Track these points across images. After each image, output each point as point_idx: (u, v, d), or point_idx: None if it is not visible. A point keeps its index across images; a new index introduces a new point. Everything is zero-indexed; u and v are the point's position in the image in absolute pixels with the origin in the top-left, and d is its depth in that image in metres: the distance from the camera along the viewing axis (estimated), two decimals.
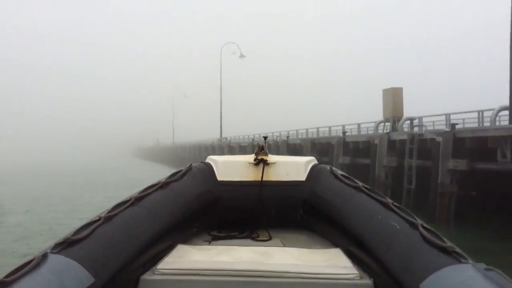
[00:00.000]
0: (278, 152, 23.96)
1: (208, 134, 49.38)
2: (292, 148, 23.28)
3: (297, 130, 29.50)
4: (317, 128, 27.70)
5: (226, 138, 39.29)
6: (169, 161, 57.40)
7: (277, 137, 27.43)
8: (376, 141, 15.59)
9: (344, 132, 18.86)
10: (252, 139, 30.95)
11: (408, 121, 16.06)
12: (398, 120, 16.56)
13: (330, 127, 26.53)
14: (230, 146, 34.68)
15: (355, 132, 21.52)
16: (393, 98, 16.29)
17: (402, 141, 14.84)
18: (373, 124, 21.15)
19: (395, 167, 15.09)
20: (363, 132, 21.57)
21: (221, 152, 35.58)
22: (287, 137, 25.10)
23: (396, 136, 15.30)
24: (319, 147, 20.74)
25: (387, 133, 15.74)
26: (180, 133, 78.31)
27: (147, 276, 2.10)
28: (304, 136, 27.37)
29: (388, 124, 17.01)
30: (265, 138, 3.58)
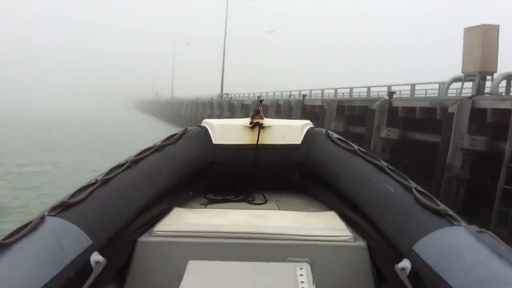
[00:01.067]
0: (290, 118, 18.52)
1: (210, 90, 43.76)
2: (310, 111, 17.52)
3: (310, 90, 23.00)
4: (335, 89, 21.44)
5: (227, 95, 33.38)
6: (166, 117, 52.38)
7: (289, 96, 21.50)
8: (452, 109, 9.79)
9: (390, 93, 13.00)
10: (258, 96, 24.99)
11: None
12: (484, 78, 10.69)
13: (351, 88, 20.62)
14: (231, 104, 28.93)
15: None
16: (483, 42, 10.27)
17: (500, 112, 9.07)
18: (407, 88, 15.44)
19: (481, 152, 9.43)
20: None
21: (220, 110, 30.09)
22: (304, 96, 19.13)
23: (487, 103, 9.50)
24: (349, 112, 14.97)
25: (470, 98, 9.90)
26: (180, 86, 72.67)
27: (144, 238, 2.12)
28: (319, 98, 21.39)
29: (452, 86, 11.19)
30: (261, 101, 3.44)
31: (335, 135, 3.01)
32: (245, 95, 30.76)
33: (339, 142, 2.84)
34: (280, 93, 24.05)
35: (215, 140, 3.10)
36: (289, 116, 18.53)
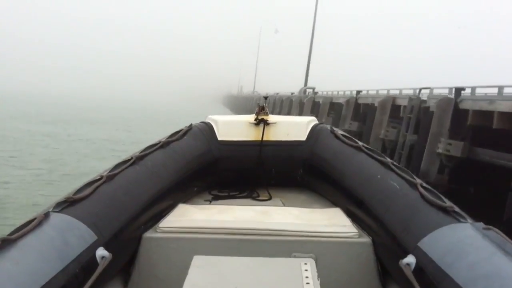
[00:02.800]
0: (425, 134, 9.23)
1: (295, 85, 35.49)
2: (475, 124, 8.03)
3: (451, 88, 11.93)
4: (499, 88, 10.62)
5: (312, 89, 24.44)
6: (243, 113, 45.38)
7: (418, 92, 11.73)
8: None
9: None
10: (357, 92, 15.58)
11: None
12: None
13: None
14: (314, 102, 20.07)
15: None
16: None
17: None
18: None
19: None
20: None
21: (299, 109, 21.46)
22: (459, 90, 9.24)
23: None
24: None
25: None
26: (266, 81, 65.42)
27: (149, 234, 2.10)
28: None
29: None
30: (266, 98, 3.43)
31: (340, 132, 2.97)
32: (339, 92, 21.15)
33: (344, 139, 2.82)
34: (398, 91, 14.08)
35: (220, 136, 3.08)
36: (424, 131, 9.26)
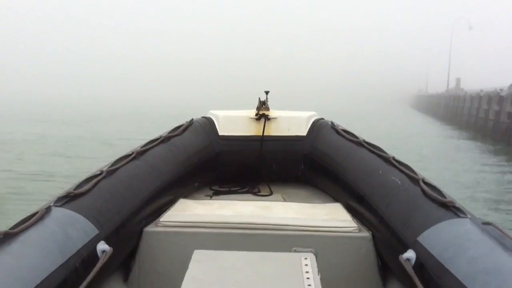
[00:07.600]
0: None
1: None
2: None
3: None
4: None
5: None
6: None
7: None
8: None
9: None
10: None
11: None
12: None
13: None
14: None
15: None
16: None
17: None
18: None
19: None
20: None
21: None
22: None
23: None
24: None
25: None
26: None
27: (150, 228, 2.15)
28: None
29: None
30: (267, 92, 3.34)
31: (340, 127, 2.99)
32: None
33: (345, 134, 2.82)
34: None
35: (221, 132, 3.11)
36: None
